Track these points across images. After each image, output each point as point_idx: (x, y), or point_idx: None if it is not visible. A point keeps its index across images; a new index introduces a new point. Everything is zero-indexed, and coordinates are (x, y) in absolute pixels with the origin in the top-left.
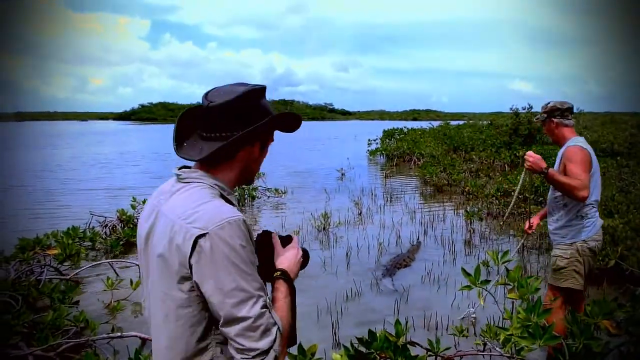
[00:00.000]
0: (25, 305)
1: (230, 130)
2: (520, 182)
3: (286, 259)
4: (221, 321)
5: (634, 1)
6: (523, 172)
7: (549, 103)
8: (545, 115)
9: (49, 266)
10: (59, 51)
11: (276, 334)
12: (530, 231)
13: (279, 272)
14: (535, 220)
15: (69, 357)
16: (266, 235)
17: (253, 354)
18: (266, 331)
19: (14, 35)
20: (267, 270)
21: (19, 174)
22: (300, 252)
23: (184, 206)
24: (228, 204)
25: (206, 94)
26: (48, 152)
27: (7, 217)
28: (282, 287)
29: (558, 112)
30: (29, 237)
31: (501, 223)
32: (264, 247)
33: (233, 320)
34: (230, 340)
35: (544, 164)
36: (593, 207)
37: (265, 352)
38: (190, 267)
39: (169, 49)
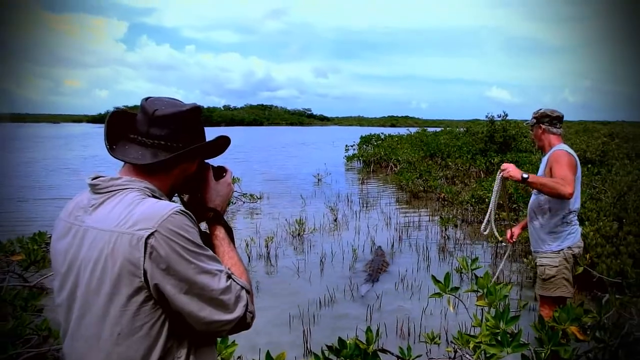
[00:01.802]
0: None
1: (177, 142)
2: (494, 193)
3: (218, 195)
4: (187, 309)
5: (610, 11)
6: (497, 182)
7: (540, 109)
8: (535, 120)
9: (13, 272)
10: (33, 52)
11: (246, 297)
12: (511, 241)
13: (211, 214)
14: (517, 230)
15: None
16: (203, 167)
17: (232, 324)
18: (237, 299)
19: None
20: (197, 204)
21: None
22: (232, 187)
23: (116, 215)
24: (161, 200)
25: (146, 100)
26: (15, 155)
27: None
28: (220, 232)
29: (547, 119)
30: None
31: (484, 232)
32: (197, 178)
33: (204, 303)
34: (198, 321)
35: (521, 171)
36: (575, 214)
37: (243, 317)
38: (145, 273)
39: (145, 51)
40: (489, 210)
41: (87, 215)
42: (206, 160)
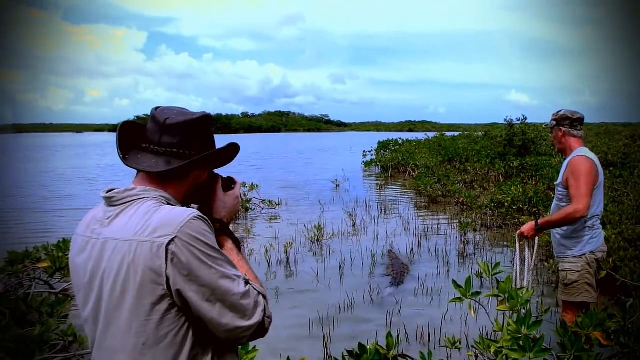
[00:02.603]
0: (13, 320)
1: (189, 149)
2: (522, 257)
3: (225, 207)
4: (209, 315)
5: (628, 12)
6: (520, 246)
7: (560, 111)
8: (555, 122)
9: (39, 279)
10: (55, 64)
11: (264, 302)
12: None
13: (217, 225)
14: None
15: None
16: (212, 177)
17: (252, 330)
18: (256, 304)
19: (10, 49)
20: (205, 214)
21: (13, 185)
22: (240, 200)
23: (134, 224)
24: (177, 207)
25: (156, 110)
26: (40, 164)
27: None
28: (227, 242)
29: (567, 122)
30: (19, 251)
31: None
32: (206, 188)
33: (225, 310)
34: (220, 327)
35: (532, 224)
36: (598, 218)
37: (262, 323)
38: (167, 280)
39: (164, 60)
40: (517, 268)
41: (104, 228)
42: (215, 171)
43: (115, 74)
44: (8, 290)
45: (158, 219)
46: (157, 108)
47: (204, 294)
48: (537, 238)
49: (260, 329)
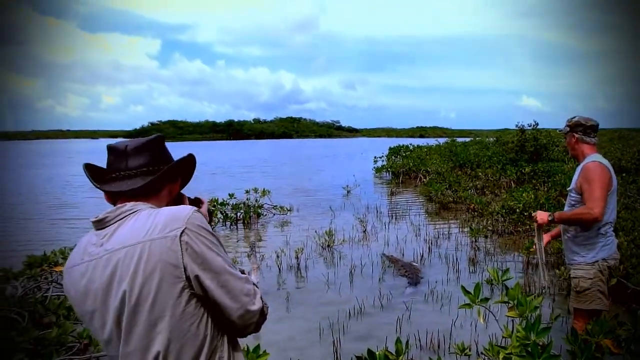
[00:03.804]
0: (31, 322)
1: (155, 165)
2: (537, 243)
3: None
4: (225, 300)
5: None
6: (537, 234)
7: (574, 117)
8: (568, 128)
9: (56, 283)
10: (72, 71)
11: (259, 292)
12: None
13: None
14: (546, 237)
15: None
16: (180, 198)
17: (257, 315)
18: (255, 290)
19: (29, 57)
20: None
21: (31, 191)
22: (207, 218)
23: (140, 228)
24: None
25: (110, 145)
26: (56, 170)
27: (15, 233)
28: None
29: (581, 128)
30: (37, 255)
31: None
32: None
33: (237, 294)
34: (233, 312)
35: (547, 214)
36: (611, 225)
37: (262, 309)
38: (185, 269)
39: (178, 67)
40: (540, 261)
41: (105, 245)
42: (183, 192)
43: (130, 80)
44: (27, 293)
45: (164, 217)
46: (110, 144)
47: (218, 280)
48: (538, 230)
49: (263, 315)
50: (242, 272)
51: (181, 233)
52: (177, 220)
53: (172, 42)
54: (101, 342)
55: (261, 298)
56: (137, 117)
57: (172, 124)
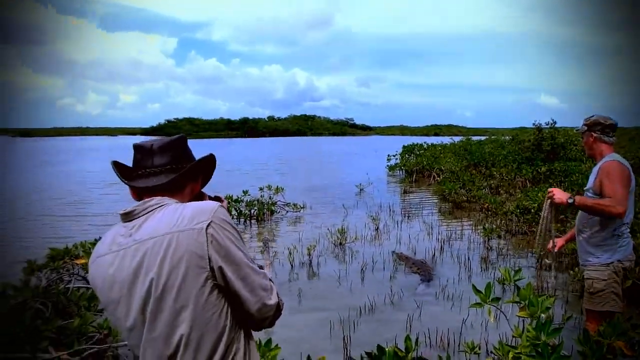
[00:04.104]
0: (55, 312)
1: (180, 163)
2: (544, 220)
3: None
4: (244, 292)
5: None
6: (546, 209)
7: (592, 116)
8: (586, 127)
9: (77, 275)
10: (92, 70)
11: (275, 288)
12: (551, 250)
13: None
14: (560, 241)
15: None
16: (201, 197)
17: (273, 309)
18: (272, 286)
19: (50, 57)
20: None
21: (51, 188)
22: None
23: (168, 220)
24: None
25: (136, 143)
26: (75, 167)
27: (33, 229)
28: None
29: (599, 127)
30: (59, 247)
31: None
32: None
33: (256, 287)
34: (252, 305)
35: (567, 194)
36: (628, 226)
37: (278, 304)
38: (209, 260)
39: (193, 65)
40: (538, 237)
41: (134, 235)
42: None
43: (147, 79)
44: (50, 285)
45: (191, 211)
46: (136, 143)
47: (238, 273)
48: (552, 208)
49: (278, 310)
50: (261, 267)
51: (207, 226)
52: (203, 214)
53: (188, 40)
54: (123, 330)
55: (277, 294)
56: (154, 114)
57: (188, 121)
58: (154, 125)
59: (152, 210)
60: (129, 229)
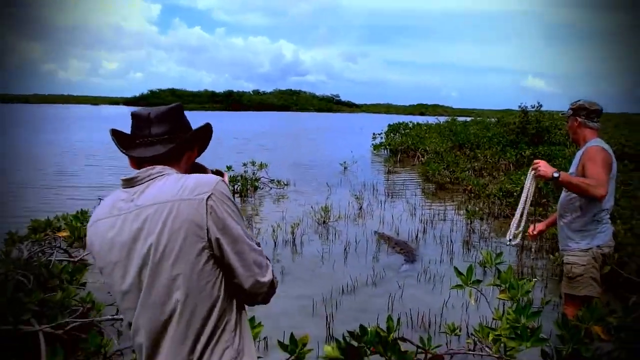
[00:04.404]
0: (37, 285)
1: (176, 133)
2: (526, 190)
3: None
4: (239, 267)
5: None
6: (529, 180)
7: (579, 101)
8: (571, 111)
9: (59, 248)
10: (74, 34)
11: (271, 265)
12: (532, 235)
13: None
14: (541, 226)
15: (75, 336)
16: (203, 171)
17: (266, 286)
18: (267, 264)
19: (30, 20)
20: None
21: (35, 156)
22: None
23: (170, 188)
24: None
25: (134, 111)
26: (63, 136)
27: (18, 196)
28: None
29: (584, 112)
30: (41, 219)
31: (511, 239)
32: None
33: (250, 263)
34: (245, 279)
35: (553, 169)
36: (608, 212)
37: (272, 281)
38: (208, 231)
39: (177, 33)
40: (518, 211)
41: (136, 201)
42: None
43: (130, 46)
44: (31, 257)
45: (193, 182)
46: (134, 111)
47: (234, 246)
48: (534, 183)
49: (272, 287)
50: (258, 244)
51: (208, 197)
52: (205, 185)
53: (171, 6)
54: (118, 293)
55: (272, 272)
56: (137, 83)
57: (172, 92)
58: (137, 95)
59: (154, 178)
60: (131, 195)
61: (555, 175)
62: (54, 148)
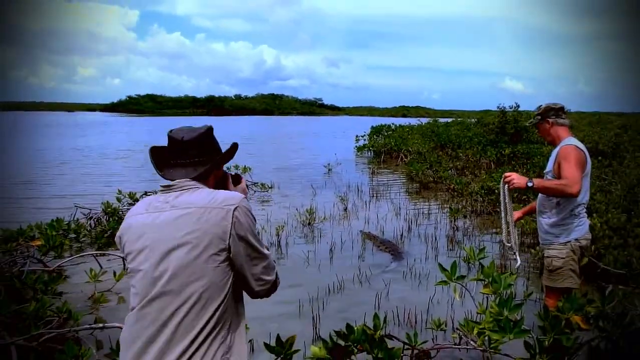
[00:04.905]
0: (8, 296)
1: (206, 155)
2: (503, 203)
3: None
4: (250, 272)
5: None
6: (505, 193)
7: (541, 105)
8: (540, 117)
9: (32, 257)
10: (47, 40)
11: (276, 267)
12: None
13: None
14: (517, 214)
15: (51, 348)
16: (224, 176)
17: (269, 284)
18: (274, 267)
19: (1, 23)
20: None
21: (4, 164)
22: (247, 190)
23: (202, 197)
24: None
25: (171, 132)
26: (34, 143)
27: None
28: None
29: (552, 112)
30: (12, 229)
31: (509, 244)
32: (221, 184)
33: (261, 260)
34: (252, 278)
35: (526, 178)
36: (584, 207)
37: (275, 281)
38: (230, 236)
39: (156, 39)
40: (504, 223)
41: (171, 202)
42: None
43: (106, 51)
44: (2, 267)
45: (223, 195)
46: (171, 130)
47: (249, 254)
48: (509, 194)
49: (274, 286)
50: (267, 248)
51: (235, 208)
52: (233, 199)
53: (150, 13)
54: (135, 271)
55: (276, 273)
56: (115, 89)
57: (151, 98)
58: (115, 101)
59: (187, 189)
60: (167, 198)
61: (530, 184)
62: (24, 157)
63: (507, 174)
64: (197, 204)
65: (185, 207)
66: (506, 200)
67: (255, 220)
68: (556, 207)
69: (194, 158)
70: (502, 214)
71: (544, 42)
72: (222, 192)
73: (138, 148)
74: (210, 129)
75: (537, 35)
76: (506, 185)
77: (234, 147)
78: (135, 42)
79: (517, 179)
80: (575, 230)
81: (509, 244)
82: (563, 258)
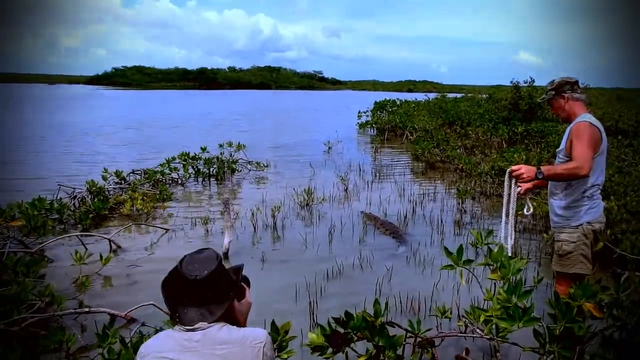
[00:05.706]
0: None
1: (221, 293)
2: (506, 196)
3: (242, 315)
4: None
5: None
6: (512, 187)
7: (554, 80)
8: (553, 92)
9: (13, 238)
10: (25, 8)
11: None
12: (521, 193)
13: None
14: (527, 185)
15: (33, 332)
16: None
17: None
18: None
19: None
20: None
21: None
22: (251, 302)
23: (232, 337)
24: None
25: (182, 266)
26: (11, 117)
27: None
28: None
29: (568, 86)
30: None
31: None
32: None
33: None
34: None
35: (534, 169)
36: (598, 188)
37: None
38: None
39: (143, 6)
40: (504, 217)
41: (200, 341)
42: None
43: (90, 20)
44: None
45: (250, 333)
46: (181, 261)
47: None
48: (515, 188)
49: None
50: None
51: (263, 346)
52: (260, 338)
53: None
54: None
55: None
56: (100, 60)
57: (139, 69)
58: (100, 73)
59: (209, 327)
60: (192, 335)
61: (540, 176)
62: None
63: (514, 167)
64: (223, 342)
65: (212, 346)
66: (510, 197)
67: (274, 352)
68: (567, 188)
69: (208, 298)
70: (504, 214)
71: (562, 12)
72: (247, 330)
73: (120, 124)
74: (220, 261)
75: (555, 5)
76: (514, 179)
77: (241, 272)
78: (120, 9)
79: (527, 172)
80: (588, 212)
81: (506, 246)
82: (574, 242)
